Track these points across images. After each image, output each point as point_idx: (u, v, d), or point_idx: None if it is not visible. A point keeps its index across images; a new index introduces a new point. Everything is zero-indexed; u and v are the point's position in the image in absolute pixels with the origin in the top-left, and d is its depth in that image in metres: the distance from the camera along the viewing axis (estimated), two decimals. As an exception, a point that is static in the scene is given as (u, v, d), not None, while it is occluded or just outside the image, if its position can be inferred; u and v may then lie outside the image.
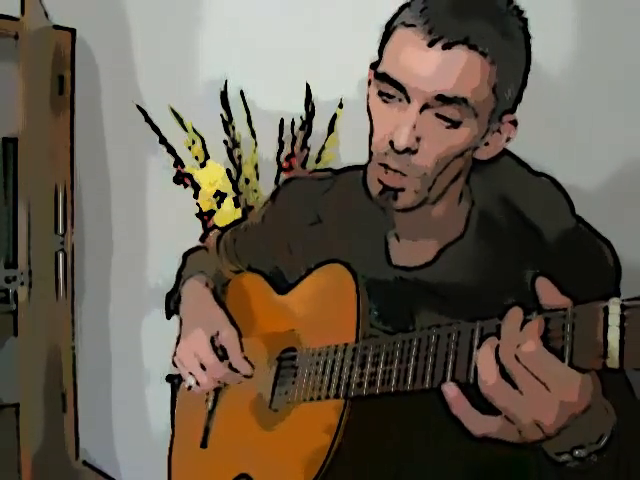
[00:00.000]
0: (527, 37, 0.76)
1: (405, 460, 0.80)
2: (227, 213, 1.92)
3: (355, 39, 1.62)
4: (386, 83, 0.75)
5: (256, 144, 2.02)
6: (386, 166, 0.76)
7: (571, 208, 0.81)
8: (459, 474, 0.80)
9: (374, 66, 0.79)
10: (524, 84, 0.78)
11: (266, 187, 1.94)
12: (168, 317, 1.16)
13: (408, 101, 0.73)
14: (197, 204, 1.99)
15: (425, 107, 0.73)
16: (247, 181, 2.01)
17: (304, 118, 1.97)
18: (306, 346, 0.87)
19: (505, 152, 0.82)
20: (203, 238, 1.91)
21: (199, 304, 1.02)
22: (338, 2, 1.99)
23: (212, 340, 0.94)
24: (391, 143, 0.74)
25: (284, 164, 1.97)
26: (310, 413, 0.82)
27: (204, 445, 1.02)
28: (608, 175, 1.44)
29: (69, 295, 2.85)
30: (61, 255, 2.82)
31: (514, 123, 0.78)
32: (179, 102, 2.04)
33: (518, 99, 0.78)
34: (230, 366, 0.92)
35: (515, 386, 0.57)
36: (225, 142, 2.03)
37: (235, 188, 1.97)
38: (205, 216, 1.98)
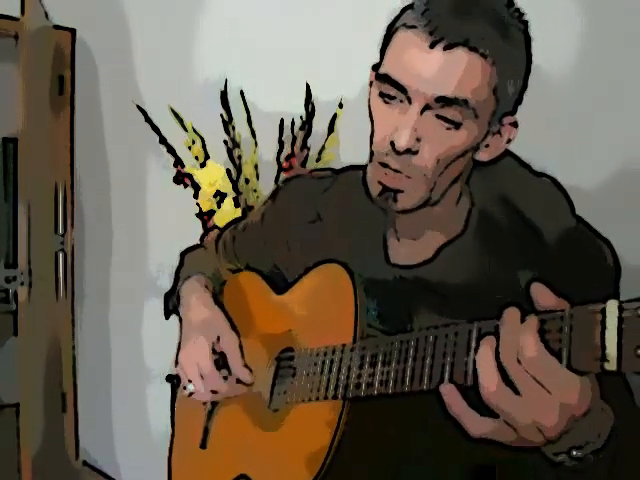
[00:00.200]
0: (528, 39, 0.77)
1: (404, 460, 0.80)
2: (227, 213, 1.92)
3: (355, 39, 1.63)
4: (387, 84, 0.75)
5: (256, 144, 2.02)
6: (387, 165, 0.76)
7: (571, 208, 0.81)
8: (458, 474, 0.80)
9: (375, 67, 0.79)
10: (525, 86, 0.78)
11: (266, 187, 1.94)
12: (167, 317, 1.16)
13: (409, 102, 0.74)
14: (197, 204, 1.99)
15: (426, 108, 0.73)
16: (247, 181, 2.01)
17: (304, 118, 1.97)
18: (304, 346, 0.87)
19: (506, 152, 0.82)
20: (203, 238, 1.91)
21: (199, 307, 1.02)
22: (338, 2, 1.99)
23: (213, 346, 0.94)
24: (392, 144, 0.74)
25: (284, 164, 1.96)
26: (309, 413, 0.82)
27: (203, 446, 1.02)
28: (608, 175, 1.44)
29: (69, 295, 2.85)
30: (61, 255, 2.82)
31: (514, 125, 0.79)
32: (179, 102, 2.04)
33: (518, 101, 0.78)
34: (230, 372, 0.93)
35: (516, 390, 0.57)
36: (225, 142, 2.03)
37: (235, 188, 1.97)
38: (205, 216, 1.98)
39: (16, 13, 2.32)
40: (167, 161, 2.08)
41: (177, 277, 1.16)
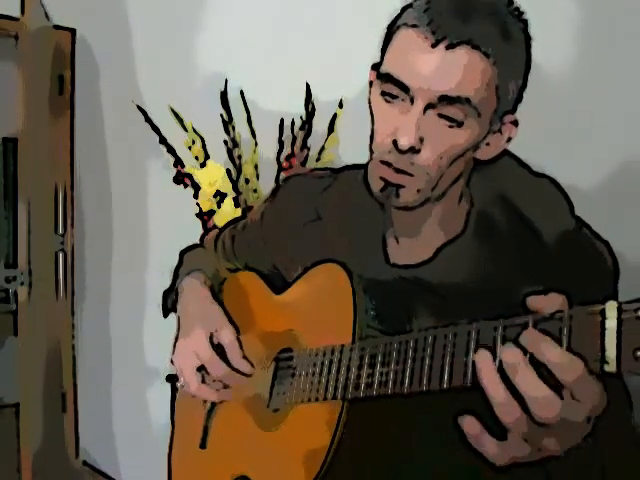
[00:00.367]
0: (527, 38, 0.77)
1: (403, 460, 0.80)
2: (227, 213, 1.91)
3: (355, 39, 1.63)
4: (389, 83, 0.75)
5: (256, 144, 2.01)
6: (389, 164, 0.76)
7: (571, 209, 0.81)
8: (457, 474, 0.80)
9: (375, 67, 0.79)
10: (524, 85, 0.78)
11: (266, 187, 1.94)
12: (165, 315, 1.16)
13: (411, 101, 0.74)
14: (197, 204, 1.99)
15: (428, 107, 0.73)
16: (247, 181, 2.01)
17: (304, 118, 1.96)
18: (303, 346, 0.87)
19: (505, 152, 0.82)
20: (203, 238, 1.90)
21: (197, 301, 1.02)
22: (338, 2, 1.99)
23: (211, 338, 0.94)
24: (394, 142, 0.74)
25: (284, 164, 1.96)
26: (308, 414, 0.82)
27: (203, 446, 1.02)
28: (608, 175, 1.44)
29: (69, 295, 2.85)
30: (61, 255, 2.82)
31: (515, 123, 0.79)
32: (179, 102, 2.03)
33: (518, 99, 0.78)
34: (230, 366, 0.92)
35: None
36: (225, 142, 2.03)
37: (235, 188, 1.97)
38: (205, 216, 1.98)
39: (16, 13, 2.32)
40: (167, 161, 2.08)
41: (176, 276, 1.16)
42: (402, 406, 0.74)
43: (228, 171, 1.96)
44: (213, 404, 1.03)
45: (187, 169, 2.02)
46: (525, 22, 0.77)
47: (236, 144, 2.03)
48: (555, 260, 0.76)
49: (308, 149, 1.97)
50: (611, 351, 0.52)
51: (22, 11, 2.30)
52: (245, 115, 2.01)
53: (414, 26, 0.73)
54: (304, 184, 1.01)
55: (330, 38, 1.95)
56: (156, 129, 2.05)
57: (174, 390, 1.15)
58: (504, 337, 0.60)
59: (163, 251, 1.62)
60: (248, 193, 2.00)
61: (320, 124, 1.94)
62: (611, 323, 0.52)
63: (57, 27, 2.71)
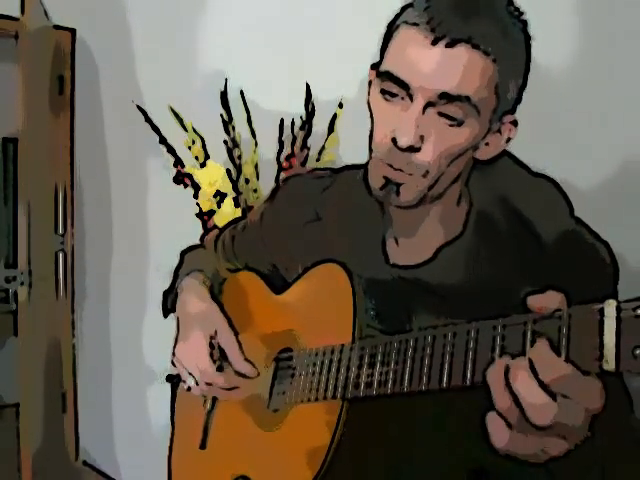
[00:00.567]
0: (527, 38, 0.77)
1: (403, 460, 0.80)
2: (227, 213, 1.91)
3: (355, 39, 1.62)
4: (389, 81, 0.75)
5: (256, 144, 2.01)
6: (389, 162, 0.76)
7: (570, 209, 0.81)
8: (457, 474, 0.80)
9: (375, 66, 0.79)
10: (524, 85, 0.78)
11: (266, 187, 1.93)
12: (165, 315, 1.17)
13: (411, 99, 0.74)
14: (197, 204, 1.99)
15: (428, 105, 0.73)
16: (247, 181, 2.01)
17: (304, 118, 1.96)
18: (303, 346, 0.87)
19: (505, 153, 0.82)
20: (203, 238, 1.90)
21: (196, 302, 1.02)
22: (338, 2, 1.99)
23: (211, 340, 0.94)
24: (394, 141, 0.74)
25: (284, 164, 1.96)
26: (308, 413, 0.82)
27: (203, 446, 1.02)
28: (608, 175, 1.44)
29: (69, 295, 2.85)
30: (61, 255, 2.82)
31: (514, 123, 0.79)
32: (179, 102, 2.03)
33: (518, 100, 0.78)
34: (231, 367, 0.93)
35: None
36: (225, 142, 2.03)
37: (235, 188, 1.97)
38: (205, 216, 1.98)
39: (16, 13, 2.32)
40: (167, 161, 2.08)
41: (176, 276, 1.16)
42: (402, 405, 0.74)
43: (228, 171, 1.96)
44: (213, 404, 1.03)
45: (187, 169, 2.02)
46: (525, 22, 0.77)
47: (236, 144, 2.03)
48: (554, 260, 0.76)
49: (308, 149, 1.97)
50: (610, 350, 0.52)
51: (22, 11, 2.30)
52: (245, 115, 2.01)
53: (414, 24, 0.73)
54: (304, 184, 1.01)
55: (330, 38, 1.94)
56: (156, 129, 2.05)
57: (174, 390, 1.15)
58: (503, 336, 0.60)
59: (163, 251, 1.62)
60: (248, 193, 2.00)
61: (320, 124, 1.94)
62: (610, 322, 0.52)
63: (57, 27, 2.71)
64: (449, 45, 0.71)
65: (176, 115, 2.02)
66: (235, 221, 1.18)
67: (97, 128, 2.82)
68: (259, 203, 1.14)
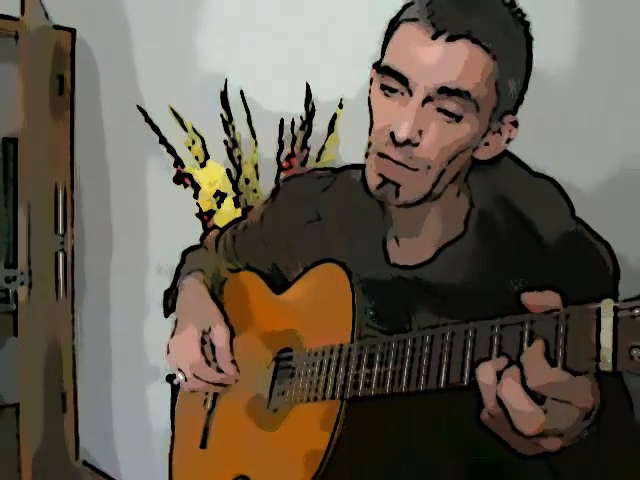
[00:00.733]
0: (529, 39, 0.77)
1: (402, 460, 0.80)
2: (227, 213, 1.91)
3: (355, 39, 1.63)
4: (388, 76, 0.75)
5: (256, 144, 2.01)
6: (387, 157, 0.76)
7: (571, 210, 0.81)
8: (457, 473, 0.80)
9: (376, 65, 0.79)
10: (525, 87, 0.78)
11: (266, 187, 1.93)
12: (166, 315, 1.17)
13: (410, 94, 0.74)
14: (197, 204, 1.99)
15: (427, 100, 0.73)
16: (247, 181, 2.01)
17: (304, 118, 1.97)
18: (303, 346, 0.87)
19: (505, 153, 0.82)
20: (203, 238, 1.90)
21: (194, 300, 1.03)
22: (338, 2, 1.99)
23: (203, 336, 0.95)
24: (392, 134, 0.74)
25: (284, 164, 1.96)
26: (308, 413, 0.82)
27: (203, 446, 1.02)
28: (607, 175, 1.44)
29: (69, 295, 2.85)
30: (61, 255, 2.82)
31: (515, 124, 0.79)
32: (179, 102, 2.03)
33: (519, 101, 0.78)
34: (217, 367, 0.93)
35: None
36: (225, 142, 2.03)
37: (235, 188, 1.97)
38: (205, 216, 1.98)
39: (16, 13, 2.32)
40: (167, 161, 2.08)
41: (177, 275, 1.16)
42: (400, 405, 0.74)
43: (228, 171, 1.96)
44: (213, 404, 1.03)
45: (187, 169, 2.02)
46: (527, 24, 0.77)
47: (236, 144, 2.03)
48: (555, 261, 0.76)
49: (308, 149, 1.97)
50: (607, 349, 0.52)
51: (22, 11, 2.30)
52: (245, 115, 2.01)
53: (414, 20, 0.73)
54: (304, 184, 1.01)
55: (330, 38, 1.95)
56: (156, 129, 2.05)
57: (174, 390, 1.15)
58: (500, 337, 0.60)
59: (163, 251, 1.63)
60: (248, 193, 2.00)
61: (320, 124, 1.95)
62: (607, 322, 0.52)
63: (57, 27, 2.71)
64: (449, 40, 0.71)
65: (176, 115, 2.02)
66: (236, 221, 1.18)
67: (97, 128, 2.82)
68: (259, 203, 1.14)
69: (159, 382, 2.04)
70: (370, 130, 0.79)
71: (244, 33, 2.17)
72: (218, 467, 0.98)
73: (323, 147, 1.95)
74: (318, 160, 1.96)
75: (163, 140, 2.05)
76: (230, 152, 2.02)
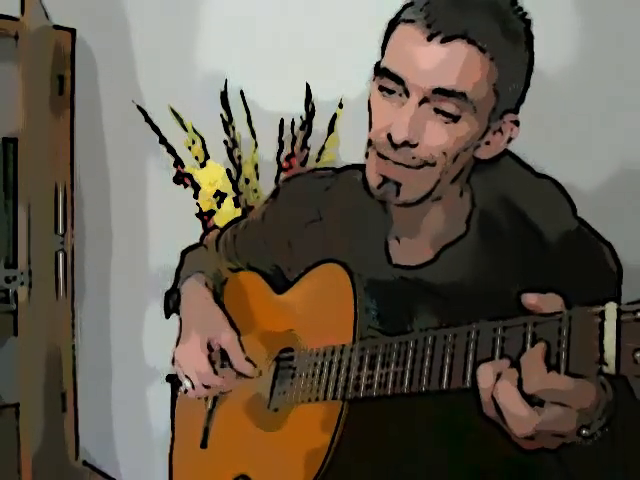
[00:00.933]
0: (530, 38, 0.76)
1: (404, 460, 0.80)
2: (227, 213, 1.91)
3: (355, 39, 1.62)
4: (386, 77, 0.75)
5: (256, 144, 2.01)
6: (387, 158, 0.76)
7: (573, 210, 0.80)
8: (458, 473, 0.80)
9: (376, 67, 0.79)
10: (527, 85, 0.78)
11: (266, 187, 1.94)
12: (167, 316, 1.16)
13: (407, 96, 0.74)
14: (197, 204, 1.99)
15: (424, 101, 0.73)
16: (247, 181, 2.01)
17: (304, 118, 1.96)
18: (304, 346, 0.87)
19: (507, 153, 0.82)
20: (203, 238, 1.90)
21: (199, 305, 1.02)
22: (338, 2, 1.99)
23: (209, 343, 0.94)
24: (389, 136, 0.74)
25: (284, 164, 1.96)
26: (309, 414, 0.82)
27: (204, 445, 1.02)
28: (608, 175, 1.44)
29: (69, 295, 2.85)
30: (61, 255, 2.82)
31: (516, 123, 0.78)
32: (179, 102, 2.03)
33: (521, 99, 0.78)
34: (232, 367, 0.93)
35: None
36: (225, 142, 2.03)
37: (235, 188, 1.97)
38: (205, 216, 1.98)
39: (16, 13, 2.32)
40: (167, 161, 2.08)
41: (177, 276, 1.16)
42: (402, 406, 0.74)
43: (228, 171, 1.96)
44: (214, 404, 1.03)
45: (187, 169, 2.02)
46: (528, 22, 0.76)
47: (236, 144, 2.03)
48: (557, 261, 0.76)
49: (308, 149, 1.97)
50: (610, 353, 0.52)
51: (22, 11, 2.30)
52: (245, 115, 2.01)
53: (411, 21, 0.73)
54: (305, 184, 1.01)
55: (330, 38, 1.95)
56: (156, 129, 2.05)
57: (174, 390, 1.15)
58: (503, 338, 0.60)
59: (163, 251, 1.62)
60: (248, 193, 2.00)
61: (320, 124, 1.95)
62: (610, 325, 0.52)
63: (57, 27, 2.70)
64: (444, 41, 0.71)
65: (176, 115, 2.02)
66: (237, 220, 1.18)
67: (97, 128, 2.81)
68: (259, 203, 1.14)
69: (159, 382, 2.04)
70: (370, 132, 0.79)
71: (244, 33, 2.17)
72: (218, 467, 0.97)
73: (323, 147, 1.95)
74: (318, 160, 1.96)
75: (163, 140, 2.05)
76: (230, 152, 2.02)
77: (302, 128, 1.97)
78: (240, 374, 0.92)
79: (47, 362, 2.64)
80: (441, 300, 0.80)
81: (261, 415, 0.92)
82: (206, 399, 1.04)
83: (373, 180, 0.79)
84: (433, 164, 0.75)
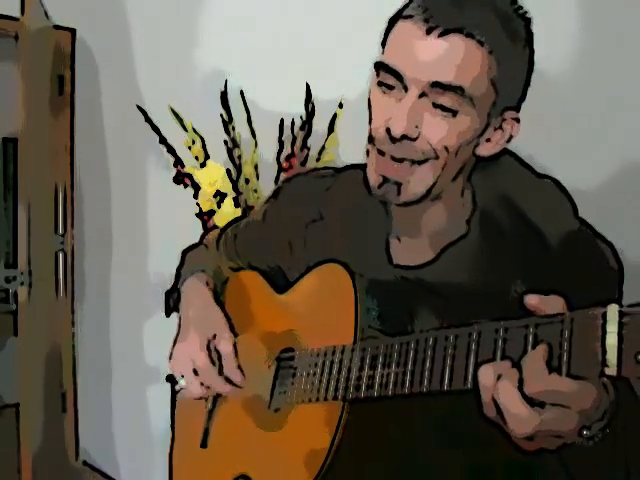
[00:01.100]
0: (530, 35, 0.76)
1: (404, 461, 0.80)
2: (227, 213, 1.91)
3: (355, 39, 1.62)
4: (385, 72, 0.75)
5: (256, 144, 2.01)
6: (386, 153, 0.76)
7: (574, 210, 0.80)
8: (458, 474, 0.80)
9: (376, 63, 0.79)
10: (528, 82, 0.77)
11: (266, 187, 1.94)
12: (167, 315, 1.16)
13: (405, 90, 0.74)
14: (197, 204, 1.99)
15: (422, 95, 0.73)
16: (247, 181, 2.01)
17: (304, 118, 1.96)
18: (304, 346, 0.87)
19: (508, 152, 0.82)
20: (203, 238, 1.90)
21: (197, 304, 1.02)
22: (338, 2, 1.99)
23: (208, 343, 0.94)
24: (388, 131, 0.74)
25: (284, 164, 1.96)
26: (309, 414, 0.82)
27: (204, 445, 1.02)
28: (608, 175, 1.44)
29: (69, 295, 2.85)
30: (61, 255, 2.82)
31: (517, 120, 0.78)
32: (179, 102, 2.03)
33: (522, 98, 0.78)
34: (222, 373, 0.92)
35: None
36: (225, 142, 2.03)
37: (235, 188, 1.97)
38: (205, 216, 1.98)
39: (16, 13, 2.32)
40: (167, 161, 2.08)
41: (178, 275, 1.16)
42: (403, 407, 0.74)
43: (228, 171, 1.96)
44: (214, 404, 1.03)
45: (187, 169, 2.02)
46: (528, 20, 0.76)
47: (236, 144, 2.03)
48: (558, 262, 0.76)
49: (308, 149, 1.97)
50: (612, 354, 0.51)
51: (22, 11, 2.30)
52: (245, 115, 2.01)
53: (409, 17, 0.74)
54: (306, 184, 1.01)
55: (330, 38, 1.95)
56: (156, 129, 2.05)
57: (174, 390, 1.15)
58: (504, 339, 0.60)
59: (163, 251, 1.62)
60: (248, 193, 2.00)
61: (320, 124, 1.94)
62: (612, 326, 0.52)
63: (57, 27, 2.71)
64: (442, 35, 0.71)
65: (176, 115, 2.02)
66: (236, 221, 1.18)
67: (97, 128, 2.81)
68: (259, 203, 1.14)
69: (159, 382, 2.03)
70: (370, 128, 0.79)
71: (244, 33, 2.17)
72: (218, 467, 0.97)
73: (323, 147, 1.95)
74: (318, 160, 1.96)
75: (163, 140, 2.05)
76: (230, 152, 2.02)
77: (302, 128, 1.97)
78: (228, 380, 0.92)
79: (47, 362, 2.64)
80: (442, 300, 0.80)
81: (261, 415, 0.92)
82: (206, 399, 1.04)
83: (373, 180, 0.79)
84: (436, 158, 0.75)
